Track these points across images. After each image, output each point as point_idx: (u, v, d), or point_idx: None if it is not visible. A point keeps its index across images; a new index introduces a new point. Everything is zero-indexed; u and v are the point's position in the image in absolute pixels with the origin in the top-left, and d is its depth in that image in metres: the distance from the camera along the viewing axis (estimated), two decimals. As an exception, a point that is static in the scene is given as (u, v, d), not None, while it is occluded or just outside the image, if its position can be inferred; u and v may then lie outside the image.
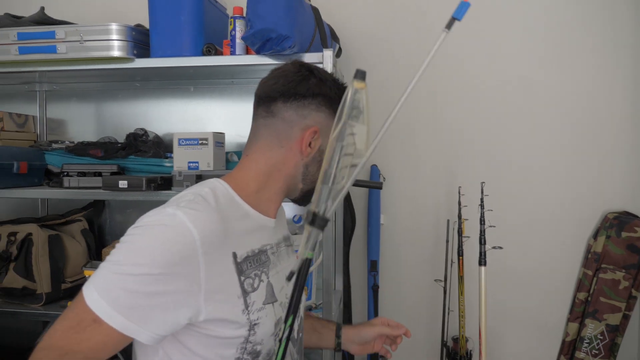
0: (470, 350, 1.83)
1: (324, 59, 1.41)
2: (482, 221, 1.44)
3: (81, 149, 1.77)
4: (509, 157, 1.92)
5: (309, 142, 0.88)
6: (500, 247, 1.49)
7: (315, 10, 1.51)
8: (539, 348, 1.93)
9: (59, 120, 2.06)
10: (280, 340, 0.63)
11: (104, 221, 2.02)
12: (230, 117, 1.94)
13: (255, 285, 0.83)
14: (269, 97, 0.88)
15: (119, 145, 1.78)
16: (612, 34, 1.85)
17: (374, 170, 1.93)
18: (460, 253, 1.71)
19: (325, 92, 0.89)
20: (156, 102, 1.97)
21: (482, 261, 1.38)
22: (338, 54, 1.77)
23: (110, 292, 0.71)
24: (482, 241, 1.38)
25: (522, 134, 1.91)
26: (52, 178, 1.79)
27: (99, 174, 1.63)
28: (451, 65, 1.91)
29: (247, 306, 0.81)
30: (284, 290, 0.91)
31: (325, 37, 1.52)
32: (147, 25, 1.70)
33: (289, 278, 0.60)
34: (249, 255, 0.84)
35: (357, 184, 1.61)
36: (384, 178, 1.93)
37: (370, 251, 1.90)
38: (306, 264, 0.61)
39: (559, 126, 1.89)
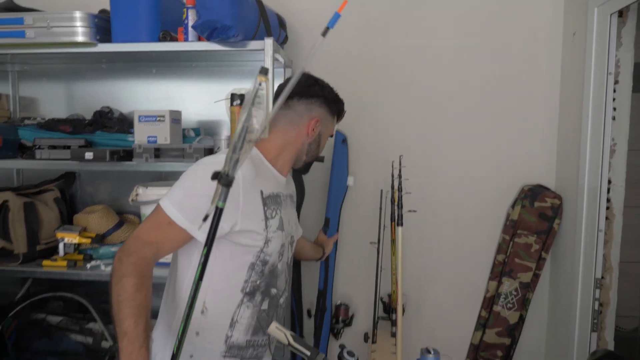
0: (404, 304, 2.08)
1: (265, 46, 1.61)
2: (399, 189, 1.67)
3: (52, 125, 1.94)
4: (442, 136, 2.15)
5: (312, 127, 1.28)
6: (415, 211, 1.74)
7: (259, 3, 1.69)
8: (464, 303, 2.21)
9: (30, 98, 2.23)
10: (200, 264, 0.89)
11: (75, 191, 2.21)
12: (190, 96, 2.13)
13: (273, 215, 1.23)
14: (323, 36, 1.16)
15: (87, 121, 1.96)
16: (529, 28, 2.07)
17: (338, 135, 2.07)
18: (392, 219, 1.95)
19: (325, 95, 1.31)
20: (121, 82, 2.14)
21: (399, 222, 1.61)
22: (285, 40, 1.96)
23: (182, 204, 1.09)
24: (399, 206, 1.61)
25: (452, 116, 2.14)
26: (24, 151, 1.97)
27: (68, 147, 1.82)
28: (393, 54, 2.12)
29: (267, 226, 1.20)
30: (288, 227, 1.31)
31: (269, 26, 1.71)
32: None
33: (204, 219, 0.83)
34: (270, 195, 1.23)
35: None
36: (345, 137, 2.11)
37: (327, 208, 2.07)
38: (218, 210, 0.85)
39: (484, 110, 2.13)
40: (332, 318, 2.16)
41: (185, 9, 1.68)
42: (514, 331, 2.14)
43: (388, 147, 2.13)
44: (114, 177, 2.18)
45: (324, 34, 0.85)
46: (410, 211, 1.70)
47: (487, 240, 2.17)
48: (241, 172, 1.12)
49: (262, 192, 1.21)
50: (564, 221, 2.03)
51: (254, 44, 1.63)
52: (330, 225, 2.04)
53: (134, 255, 1.07)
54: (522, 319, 2.14)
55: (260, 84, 0.79)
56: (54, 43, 1.67)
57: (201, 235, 1.09)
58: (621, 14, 1.74)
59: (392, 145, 2.13)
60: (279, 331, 1.14)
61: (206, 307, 1.19)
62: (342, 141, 2.10)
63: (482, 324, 2.19)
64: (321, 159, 1.87)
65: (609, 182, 1.81)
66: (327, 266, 2.13)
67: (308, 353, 1.09)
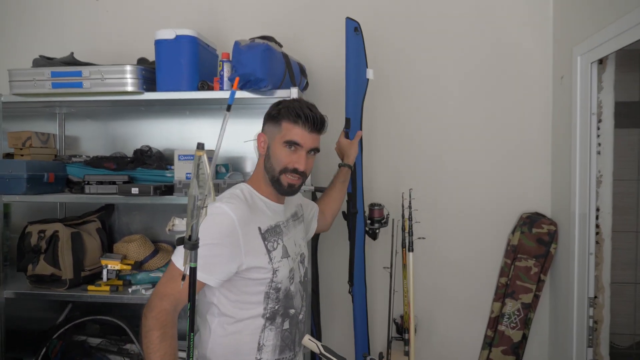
0: (415, 325, 2.25)
1: (291, 94, 1.85)
2: (410, 218, 1.88)
3: (97, 162, 2.18)
4: (447, 170, 2.37)
5: (260, 143, 1.41)
6: (424, 238, 1.94)
7: (285, 56, 1.94)
8: (470, 323, 2.38)
9: (74, 137, 2.47)
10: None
11: (114, 222, 2.42)
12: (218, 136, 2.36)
13: (275, 246, 1.35)
14: (227, 111, 1.27)
15: (128, 159, 2.19)
16: (523, 72, 2.32)
17: (348, 22, 1.88)
18: (403, 245, 2.14)
19: (269, 112, 1.41)
20: (157, 122, 2.39)
21: (410, 248, 1.81)
22: (305, 87, 2.21)
23: None
24: (410, 233, 1.82)
25: (456, 152, 2.36)
26: (71, 186, 2.19)
27: (114, 183, 2.04)
28: (398, 94, 2.37)
29: (270, 259, 1.33)
30: (294, 250, 1.43)
31: (294, 76, 1.96)
32: (148, 57, 2.14)
33: (182, 279, 0.94)
34: (269, 228, 1.36)
35: (318, 189, 2.04)
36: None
37: (346, 108, 1.87)
38: (193, 271, 0.94)
39: (485, 146, 2.35)
40: (367, 220, 2.05)
41: (220, 62, 1.94)
42: (518, 349, 2.31)
43: (397, 180, 2.35)
44: (149, 210, 2.40)
45: (228, 109, 1.08)
46: (419, 238, 1.90)
47: (491, 264, 2.36)
48: (235, 215, 1.25)
49: (259, 229, 1.33)
50: (560, 245, 2.22)
51: (280, 93, 1.87)
52: (351, 126, 1.89)
53: (155, 309, 1.21)
54: (525, 338, 2.31)
55: (200, 158, 0.91)
56: (107, 92, 1.91)
57: (212, 280, 1.25)
58: (601, 61, 1.98)
59: (401, 179, 2.35)
60: (311, 342, 1.34)
61: (232, 336, 1.33)
62: (354, 30, 1.87)
63: (488, 343, 2.35)
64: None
65: (597, 209, 2.02)
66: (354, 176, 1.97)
67: None
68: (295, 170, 1.37)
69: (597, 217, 2.02)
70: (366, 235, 2.03)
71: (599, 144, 2.01)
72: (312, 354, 2.13)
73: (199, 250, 1.14)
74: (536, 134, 2.33)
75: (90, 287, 2.05)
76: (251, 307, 1.33)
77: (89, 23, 2.49)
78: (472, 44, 2.34)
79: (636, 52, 2.43)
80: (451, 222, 2.37)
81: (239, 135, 2.25)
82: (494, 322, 2.34)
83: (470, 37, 2.34)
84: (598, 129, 1.99)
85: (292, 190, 1.40)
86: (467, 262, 2.37)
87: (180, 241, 0.96)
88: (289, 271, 1.38)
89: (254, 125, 2.18)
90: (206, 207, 0.94)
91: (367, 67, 1.95)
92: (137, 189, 1.92)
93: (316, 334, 2.30)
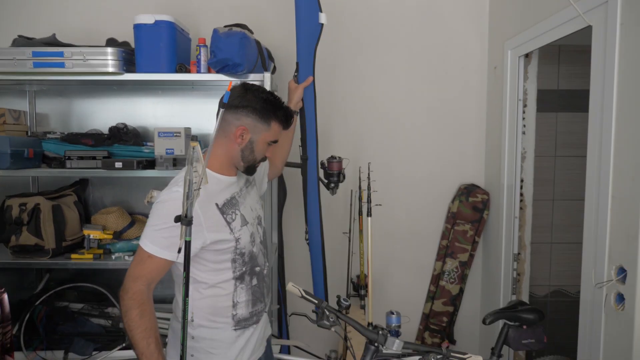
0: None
1: (264, 78, 2.06)
2: (368, 187, 2.17)
3: (74, 139, 2.28)
4: (397, 147, 2.68)
5: (240, 135, 1.43)
6: (380, 205, 2.25)
7: (257, 43, 2.14)
8: (416, 281, 2.74)
9: (44, 114, 2.53)
10: None
11: (88, 195, 2.54)
12: (189, 114, 2.53)
13: (234, 217, 1.47)
14: (222, 108, 1.34)
15: (105, 135, 2.32)
16: (462, 61, 2.65)
17: None
18: (360, 213, 2.44)
19: (253, 104, 1.42)
20: (129, 101, 2.51)
21: (369, 213, 2.11)
22: (273, 70, 2.41)
23: (155, 239, 1.32)
24: (369, 200, 2.11)
25: (405, 131, 2.67)
26: (48, 162, 2.28)
27: (94, 158, 2.17)
28: (361, 83, 2.63)
29: (231, 230, 1.44)
30: (251, 215, 1.54)
31: (265, 61, 2.16)
32: (119, 38, 2.26)
33: (178, 251, 1.21)
34: (225, 202, 1.46)
35: (288, 164, 2.27)
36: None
37: (297, 53, 1.93)
38: (188, 244, 1.18)
39: (430, 127, 2.68)
40: (326, 175, 2.07)
41: (197, 47, 2.10)
42: (455, 300, 2.70)
43: (356, 155, 2.63)
44: (123, 184, 2.54)
45: (223, 106, 1.28)
46: (377, 205, 2.20)
47: (434, 229, 2.72)
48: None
49: (217, 205, 1.42)
50: (491, 211, 2.61)
51: (254, 76, 2.07)
52: (300, 70, 1.89)
53: (130, 291, 1.31)
54: (461, 291, 2.71)
55: (193, 149, 1.15)
56: (89, 72, 2.03)
57: (177, 257, 1.32)
58: (527, 55, 2.33)
59: (358, 154, 2.63)
60: (294, 288, 1.60)
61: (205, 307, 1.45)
62: None
63: (431, 297, 2.73)
64: (299, 165, 2.30)
65: (522, 180, 2.41)
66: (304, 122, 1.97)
67: (316, 301, 1.56)
68: (264, 158, 1.53)
69: (521, 187, 2.41)
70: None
71: (524, 126, 2.38)
72: (279, 299, 2.41)
73: (163, 232, 1.31)
74: (473, 116, 2.68)
75: (73, 255, 2.19)
76: (221, 273, 1.45)
77: (60, 3, 2.53)
78: (418, 37, 2.63)
79: (556, 47, 2.82)
80: (400, 192, 2.69)
81: (209, 113, 2.46)
82: (436, 278, 2.71)
83: (417, 30, 2.63)
84: (523, 112, 2.36)
85: (256, 171, 1.57)
86: (413, 227, 2.72)
87: (178, 218, 1.16)
88: (250, 236, 1.50)
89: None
90: (200, 189, 1.15)
91: (320, 11, 1.89)
92: (120, 163, 2.07)
93: (282, 294, 2.57)
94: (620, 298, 1.51)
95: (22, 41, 2.06)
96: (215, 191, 1.43)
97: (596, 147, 1.63)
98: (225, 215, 1.44)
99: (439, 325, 2.71)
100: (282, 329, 2.50)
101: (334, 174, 2.05)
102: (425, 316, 2.74)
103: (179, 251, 1.12)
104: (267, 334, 1.67)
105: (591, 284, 1.66)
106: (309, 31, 1.90)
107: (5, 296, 1.55)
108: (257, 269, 1.54)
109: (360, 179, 2.40)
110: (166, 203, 1.35)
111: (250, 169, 1.52)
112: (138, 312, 1.29)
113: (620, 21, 1.51)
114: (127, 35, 2.22)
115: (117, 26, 2.38)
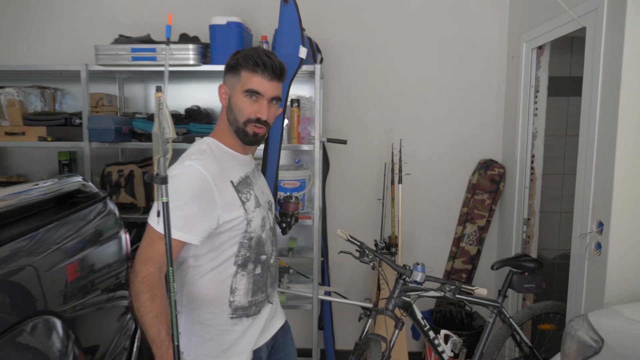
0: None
1: (316, 70, 2.51)
2: (400, 159, 2.61)
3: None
4: (426, 127, 3.09)
5: (221, 95, 1.41)
6: (409, 174, 2.69)
7: (309, 39, 2.58)
8: (440, 242, 3.18)
9: (130, 98, 3.07)
10: None
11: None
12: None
13: (248, 197, 1.38)
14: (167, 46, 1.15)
15: (183, 115, 2.83)
16: (485, 50, 3.03)
17: None
18: (392, 182, 2.88)
19: (228, 63, 1.39)
20: (202, 86, 3.01)
21: (400, 181, 2.56)
22: (321, 61, 2.86)
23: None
24: (400, 170, 2.55)
25: (433, 112, 3.08)
26: (138, 137, 2.81)
27: (177, 134, 2.68)
28: (394, 67, 3.05)
29: (245, 210, 1.35)
30: (263, 198, 1.46)
31: (315, 55, 2.61)
32: (190, 33, 2.75)
33: (157, 215, 1.03)
34: (240, 180, 1.37)
35: (329, 140, 2.72)
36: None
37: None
38: (165, 205, 1.02)
39: (455, 108, 3.08)
40: (280, 213, 1.84)
41: (260, 42, 2.56)
42: (474, 260, 3.13)
43: (388, 133, 3.06)
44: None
45: (167, 43, 1.06)
46: (406, 174, 2.64)
47: (456, 198, 3.14)
48: (207, 172, 1.24)
49: (232, 182, 1.33)
50: (507, 184, 3.01)
51: (307, 67, 2.52)
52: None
53: (140, 274, 1.21)
54: (479, 252, 3.13)
55: (159, 99, 0.99)
56: (175, 64, 2.53)
57: (194, 239, 1.24)
58: (540, 47, 2.69)
59: (390, 132, 3.07)
60: (342, 233, 2.07)
61: (204, 284, 1.36)
62: (283, 1, 1.78)
63: (452, 256, 3.16)
64: (344, 142, 2.77)
65: (533, 156, 2.79)
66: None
67: (358, 243, 2.03)
68: (258, 120, 1.36)
69: (532, 162, 2.80)
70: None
71: (536, 108, 2.76)
72: (322, 252, 2.87)
73: (177, 211, 1.18)
74: (493, 99, 3.07)
75: (159, 213, 2.73)
76: (223, 256, 1.35)
77: (146, 6, 3.04)
78: (446, 28, 3.02)
79: (568, 38, 3.15)
80: (427, 166, 3.11)
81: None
82: (457, 240, 3.14)
83: (444, 23, 3.01)
84: (535, 97, 2.74)
85: (257, 139, 1.40)
86: (438, 196, 3.15)
87: (150, 178, 1.03)
88: (261, 220, 1.40)
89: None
90: (170, 141, 1.01)
91: (301, 44, 1.81)
92: (199, 138, 2.57)
93: (325, 248, 3.06)
94: (599, 246, 1.92)
95: (123, 39, 2.58)
96: (229, 167, 1.36)
97: (585, 125, 2.02)
98: (240, 194, 1.35)
99: (458, 281, 3.15)
100: (324, 278, 3.00)
101: (288, 214, 1.83)
102: (447, 273, 3.18)
103: (158, 215, 1.03)
104: (274, 327, 1.58)
105: (578, 236, 2.07)
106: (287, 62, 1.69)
107: (128, 236, 2.06)
108: (263, 257, 1.44)
109: (392, 154, 2.84)
110: (178, 178, 1.23)
111: (242, 134, 1.38)
112: (149, 297, 1.20)
113: (606, 24, 1.88)
114: (196, 30, 2.72)
115: (190, 22, 2.86)
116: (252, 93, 1.35)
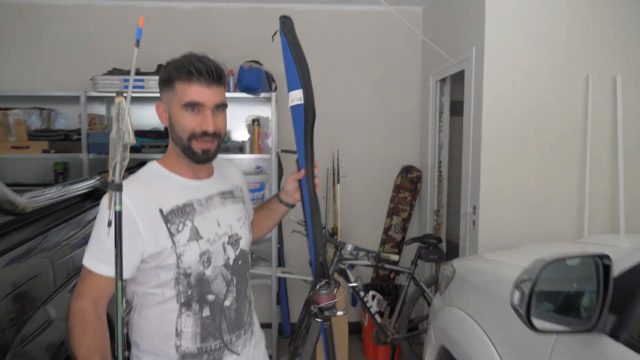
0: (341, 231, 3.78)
1: (272, 96, 3.24)
2: (338, 165, 3.37)
3: (142, 133, 3.42)
4: (357, 140, 3.89)
5: (161, 114, 1.25)
6: (345, 176, 3.46)
7: (266, 73, 3.31)
8: (373, 231, 3.96)
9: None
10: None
11: (148, 173, 3.69)
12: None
13: (180, 229, 1.20)
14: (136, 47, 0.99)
15: (163, 131, 3.46)
16: (404, 77, 3.87)
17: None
18: (333, 183, 3.64)
19: (161, 77, 1.23)
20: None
21: (338, 181, 3.32)
22: (275, 89, 3.59)
23: (94, 252, 1.15)
24: (338, 173, 3.32)
25: (363, 128, 3.88)
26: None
27: (158, 147, 3.31)
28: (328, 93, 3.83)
29: (174, 243, 1.19)
30: (215, 230, 1.27)
31: (271, 84, 3.34)
32: None
33: (108, 225, 0.91)
34: (174, 209, 1.21)
35: (283, 151, 3.45)
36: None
37: None
38: (118, 214, 0.92)
39: (383, 125, 3.90)
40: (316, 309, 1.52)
41: (227, 75, 3.27)
42: (400, 245, 3.93)
43: (330, 145, 3.83)
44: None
45: (137, 45, 0.91)
46: (343, 176, 3.41)
47: (385, 196, 3.95)
48: (130, 201, 1.12)
49: (161, 211, 1.18)
50: (423, 184, 3.84)
51: (265, 95, 3.25)
52: (299, 160, 1.59)
53: (72, 309, 1.14)
54: (403, 238, 3.94)
55: (120, 104, 0.91)
56: (155, 91, 3.18)
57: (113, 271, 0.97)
58: (443, 79, 3.56)
59: (332, 144, 3.84)
60: (294, 219, 2.79)
61: (149, 320, 1.25)
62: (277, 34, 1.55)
63: (383, 242, 3.95)
64: (294, 152, 3.50)
65: (440, 162, 3.64)
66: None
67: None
68: (205, 134, 1.21)
69: (439, 167, 3.65)
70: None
71: (442, 126, 3.62)
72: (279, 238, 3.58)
73: (99, 243, 1.14)
74: (411, 118, 3.91)
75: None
76: (164, 292, 1.23)
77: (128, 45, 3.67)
78: (375, 65, 3.84)
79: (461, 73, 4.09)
80: (360, 171, 3.90)
81: (232, 120, 3.63)
82: (387, 230, 3.94)
83: (373, 61, 3.84)
84: (441, 117, 3.60)
85: (208, 156, 1.25)
86: (371, 194, 3.94)
87: (104, 184, 1.11)
88: (200, 255, 1.23)
89: (245, 112, 3.57)
90: (128, 148, 0.93)
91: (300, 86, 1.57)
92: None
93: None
94: (474, 223, 2.75)
95: (116, 71, 3.20)
96: (163, 194, 1.21)
97: (467, 138, 2.87)
98: (169, 225, 1.20)
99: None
100: (281, 261, 3.70)
101: (322, 308, 1.42)
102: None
103: (109, 224, 0.91)
104: None
105: (461, 216, 2.90)
106: (297, 123, 1.61)
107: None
108: (210, 297, 1.27)
109: (333, 161, 3.61)
110: (104, 207, 1.15)
111: (190, 153, 1.23)
112: (81, 331, 1.12)
113: (475, 68, 2.74)
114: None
115: (169, 54, 3.51)
116: (192, 105, 1.20)
